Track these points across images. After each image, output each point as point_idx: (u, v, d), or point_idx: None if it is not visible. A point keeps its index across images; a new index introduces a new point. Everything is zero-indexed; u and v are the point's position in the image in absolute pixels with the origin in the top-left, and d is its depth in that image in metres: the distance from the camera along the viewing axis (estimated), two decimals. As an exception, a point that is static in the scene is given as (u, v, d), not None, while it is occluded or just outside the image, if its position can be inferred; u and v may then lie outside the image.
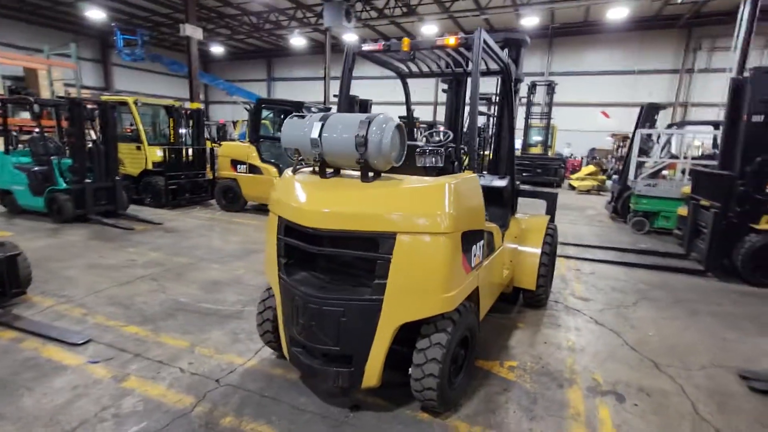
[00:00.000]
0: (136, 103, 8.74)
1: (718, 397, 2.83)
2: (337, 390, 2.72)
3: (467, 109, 3.48)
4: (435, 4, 17.76)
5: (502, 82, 4.60)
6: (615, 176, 14.68)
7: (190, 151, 9.18)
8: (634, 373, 3.09)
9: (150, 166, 8.81)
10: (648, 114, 9.35)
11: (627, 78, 19.35)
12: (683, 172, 8.39)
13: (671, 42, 18.52)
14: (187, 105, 10.72)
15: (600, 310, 4.24)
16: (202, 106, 12.94)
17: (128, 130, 9.69)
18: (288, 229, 2.55)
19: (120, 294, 4.23)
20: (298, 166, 2.75)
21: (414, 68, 4.08)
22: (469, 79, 4.76)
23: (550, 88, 15.12)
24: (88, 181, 7.18)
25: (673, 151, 10.12)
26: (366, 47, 3.25)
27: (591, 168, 14.95)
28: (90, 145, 7.30)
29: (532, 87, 15.42)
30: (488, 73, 3.91)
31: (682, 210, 7.04)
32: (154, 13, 20.58)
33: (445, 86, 5.45)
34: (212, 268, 5.13)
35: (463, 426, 2.46)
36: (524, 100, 15.84)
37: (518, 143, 21.10)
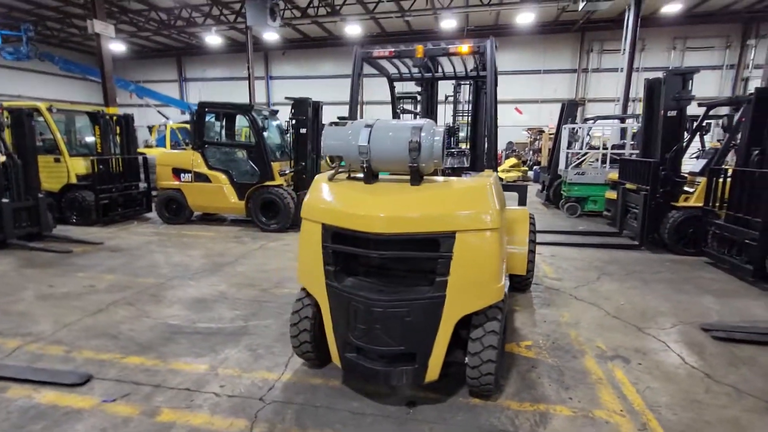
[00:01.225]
0: (50, 109, 7.70)
1: (695, 348, 3.40)
2: (389, 389, 2.78)
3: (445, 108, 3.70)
4: (358, 5, 17.92)
5: (475, 86, 4.93)
6: (536, 167, 16.16)
7: (121, 160, 8.33)
8: (626, 338, 3.57)
9: (74, 180, 7.84)
10: (569, 110, 10.45)
11: (535, 77, 21.28)
12: (599, 160, 9.54)
13: (569, 45, 20.73)
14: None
15: (575, 288, 4.76)
16: (119, 110, 11.70)
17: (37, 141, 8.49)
18: (338, 236, 2.55)
19: (98, 324, 3.81)
20: (340, 173, 2.75)
21: (393, 71, 4.20)
22: (440, 82, 5.05)
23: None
24: (5, 200, 6.22)
25: (589, 142, 11.43)
26: (376, 53, 3.32)
27: (513, 160, 16.25)
28: (3, 158, 6.32)
29: (458, 86, 16.27)
30: (468, 77, 4.19)
31: (610, 194, 8.06)
32: (39, 6, 18.07)
33: (418, 88, 5.65)
34: (188, 286, 4.80)
35: (514, 404, 2.68)
36: (450, 99, 16.70)
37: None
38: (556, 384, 2.90)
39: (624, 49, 16.28)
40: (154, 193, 8.90)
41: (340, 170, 2.70)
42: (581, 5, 13.08)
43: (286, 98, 7.89)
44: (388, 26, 21.18)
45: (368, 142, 2.47)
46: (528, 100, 21.42)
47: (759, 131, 5.11)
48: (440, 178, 2.65)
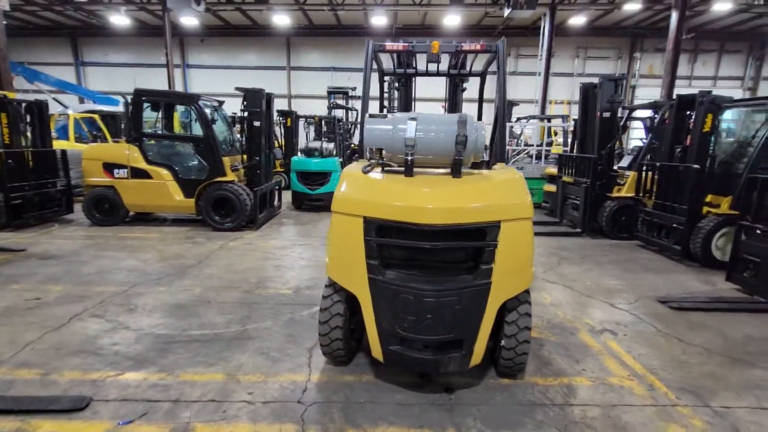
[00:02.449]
0: (-61, 92, 6.42)
1: (661, 318, 3.94)
2: (420, 379, 2.84)
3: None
4: (288, -6, 17.36)
5: (452, 83, 5.11)
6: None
7: (34, 154, 7.21)
8: (605, 314, 4.02)
9: (-25, 177, 6.63)
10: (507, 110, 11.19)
11: (459, 77, 22.39)
12: (533, 156, 10.42)
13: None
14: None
15: (544, 272, 5.20)
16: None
17: None
18: (383, 229, 2.53)
19: (68, 340, 3.33)
20: (368, 166, 2.72)
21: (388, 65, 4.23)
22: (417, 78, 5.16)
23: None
24: None
25: (524, 140, 12.39)
26: (389, 46, 3.31)
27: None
28: None
29: (392, 83, 16.56)
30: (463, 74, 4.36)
31: (548, 187, 8.85)
32: None
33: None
34: (158, 292, 4.37)
35: (540, 380, 2.91)
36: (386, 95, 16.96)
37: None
38: (567, 359, 3.18)
39: (541, 55, 17.88)
40: (77, 191, 7.88)
41: (376, 164, 2.68)
42: (507, 12, 14.05)
43: (237, 89, 7.43)
44: (316, 19, 20.79)
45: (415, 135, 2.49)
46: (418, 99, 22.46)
47: (680, 131, 5.99)
48: (474, 171, 2.76)
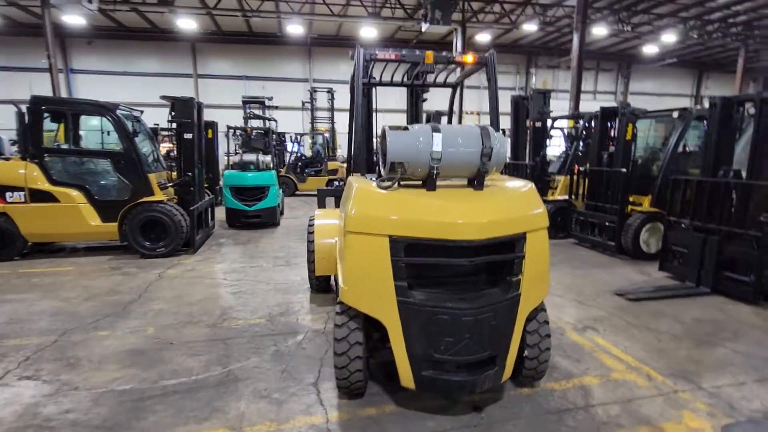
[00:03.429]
0: None
1: (626, 310, 4.30)
2: (446, 401, 2.73)
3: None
4: (195, -3, 16.17)
5: (413, 93, 5.11)
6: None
7: None
8: (580, 312, 4.27)
9: None
10: (436, 119, 11.57)
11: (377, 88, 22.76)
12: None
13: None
14: None
15: (507, 276, 5.40)
16: None
17: None
18: (412, 248, 2.38)
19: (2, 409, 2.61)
20: (387, 180, 2.54)
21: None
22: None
23: (330, 94, 16.33)
24: None
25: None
26: (381, 55, 3.17)
27: (337, 164, 16.94)
28: None
29: (313, 93, 16.29)
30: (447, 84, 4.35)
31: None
32: None
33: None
34: (101, 338, 3.67)
35: (555, 385, 2.96)
36: (308, 105, 16.60)
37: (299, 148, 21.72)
38: (568, 359, 3.30)
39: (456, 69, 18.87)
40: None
41: (398, 179, 2.51)
42: (425, 26, 14.64)
43: (162, 97, 6.65)
44: (225, 24, 19.71)
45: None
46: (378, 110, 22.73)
47: (604, 139, 6.69)
48: (493, 183, 2.74)
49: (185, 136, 6.59)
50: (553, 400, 2.78)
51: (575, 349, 3.48)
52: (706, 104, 5.11)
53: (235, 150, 12.06)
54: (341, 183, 14.33)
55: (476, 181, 2.57)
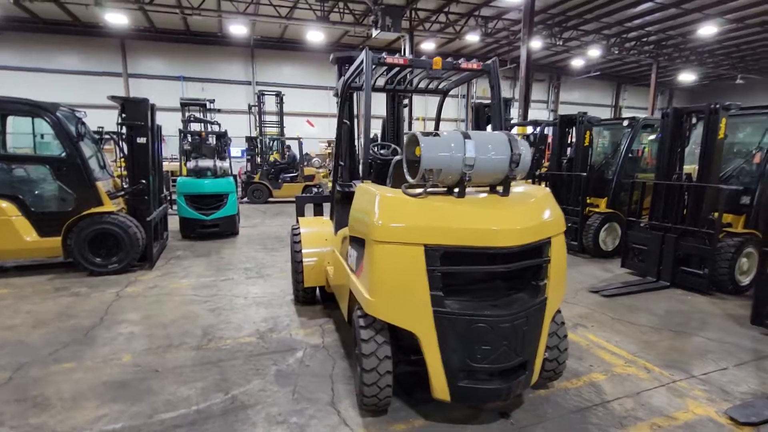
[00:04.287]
0: None
1: (605, 306, 4.57)
2: (469, 410, 2.70)
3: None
4: (126, -9, 14.94)
5: (393, 99, 5.07)
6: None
7: None
8: (565, 310, 4.36)
9: None
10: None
11: (323, 92, 22.46)
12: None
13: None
14: None
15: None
16: None
17: None
18: (448, 256, 2.33)
19: (-37, 476, 2.17)
20: (417, 187, 2.47)
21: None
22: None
23: (279, 97, 15.82)
24: None
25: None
26: (389, 59, 3.09)
27: (324, 171, 16.77)
28: None
29: (261, 96, 15.71)
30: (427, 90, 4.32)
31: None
32: None
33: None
34: (69, 371, 3.21)
35: (568, 384, 3.05)
36: (255, 109, 15.96)
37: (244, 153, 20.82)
38: (571, 357, 3.41)
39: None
40: None
41: (429, 185, 2.45)
42: (375, 32, 14.70)
43: (111, 98, 6.02)
44: (159, 21, 18.42)
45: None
46: (319, 114, 22.45)
47: (562, 146, 7.10)
48: (516, 189, 2.76)
49: (138, 141, 6.03)
50: (571, 399, 2.86)
51: (574, 346, 3.61)
52: (626, 114, 5.58)
53: (181, 155, 11.27)
54: (319, 190, 13.92)
55: (503, 188, 2.59)
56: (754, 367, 3.30)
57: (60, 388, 2.96)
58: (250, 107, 17.30)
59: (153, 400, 2.83)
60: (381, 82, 4.51)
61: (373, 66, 3.09)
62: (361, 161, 3.22)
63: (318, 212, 5.24)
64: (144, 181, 6.06)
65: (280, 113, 15.61)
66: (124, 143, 6.12)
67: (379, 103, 5.57)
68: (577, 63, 22.88)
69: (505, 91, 23.57)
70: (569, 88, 26.44)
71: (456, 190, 2.53)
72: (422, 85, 4.15)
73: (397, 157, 3.74)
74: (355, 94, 4.91)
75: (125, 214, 5.83)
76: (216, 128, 14.70)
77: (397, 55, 3.17)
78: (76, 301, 4.64)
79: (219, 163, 7.94)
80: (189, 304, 4.58)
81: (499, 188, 2.65)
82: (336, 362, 3.34)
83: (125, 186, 6.19)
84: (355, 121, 5.02)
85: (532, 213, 2.53)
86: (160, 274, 5.68)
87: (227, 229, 7.99)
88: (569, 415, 2.70)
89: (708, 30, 17.08)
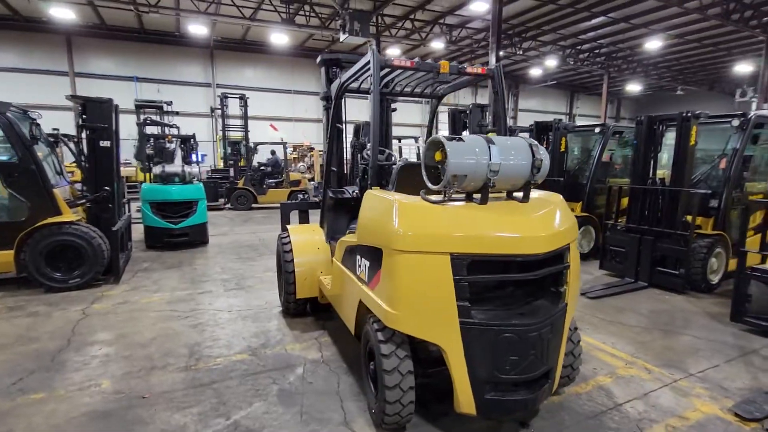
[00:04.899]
0: None
1: (593, 308, 4.66)
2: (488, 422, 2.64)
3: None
4: (75, -15, 14.00)
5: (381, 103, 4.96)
6: (311, 182, 16.79)
7: None
8: (555, 313, 4.51)
9: None
10: (358, 131, 11.50)
11: (286, 96, 22.03)
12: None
13: (315, 69, 22.49)
14: None
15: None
16: None
17: None
18: (475, 265, 2.25)
19: None
20: (437, 194, 2.38)
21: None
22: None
23: (243, 100, 15.29)
24: None
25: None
26: (396, 62, 3.00)
27: (298, 175, 16.24)
28: None
29: (224, 99, 15.15)
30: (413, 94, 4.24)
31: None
32: None
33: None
34: (36, 402, 2.85)
35: (578, 389, 3.05)
36: (218, 112, 15.36)
37: (209, 157, 19.86)
38: (574, 361, 3.44)
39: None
40: None
41: (452, 191, 2.37)
42: (343, 37, 14.56)
43: (71, 97, 5.54)
44: (110, 18, 17.40)
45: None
46: (282, 118, 21.97)
47: (538, 151, 7.26)
48: (535, 195, 2.72)
49: (101, 144, 5.57)
50: (585, 405, 2.85)
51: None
52: (579, 121, 5.81)
53: (144, 160, 10.61)
54: (305, 196, 13.46)
55: (523, 194, 2.55)
56: (743, 363, 3.46)
57: (31, 422, 2.61)
58: (212, 110, 16.66)
59: (144, 430, 2.55)
60: (367, 85, 4.37)
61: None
62: (369, 167, 3.08)
63: (303, 219, 5.05)
64: (108, 188, 5.60)
65: (245, 116, 15.09)
66: (84, 147, 5.64)
67: (356, 108, 5.44)
68: (535, 72, 23.81)
69: (468, 99, 24.12)
70: (527, 96, 27.46)
71: (476, 196, 2.47)
72: (418, 89, 4.08)
73: (400, 162, 3.65)
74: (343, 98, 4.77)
75: (87, 224, 5.35)
76: (174, 131, 14.02)
77: (403, 58, 3.08)
78: (36, 322, 4.17)
79: (188, 169, 7.51)
80: (167, 321, 4.24)
81: (517, 194, 2.61)
82: (340, 378, 3.17)
83: (85, 193, 5.70)
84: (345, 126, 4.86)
85: (554, 219, 2.51)
86: (128, 289, 5.25)
87: (197, 238, 7.56)
88: (586, 421, 2.68)
89: (653, 44, 18.31)
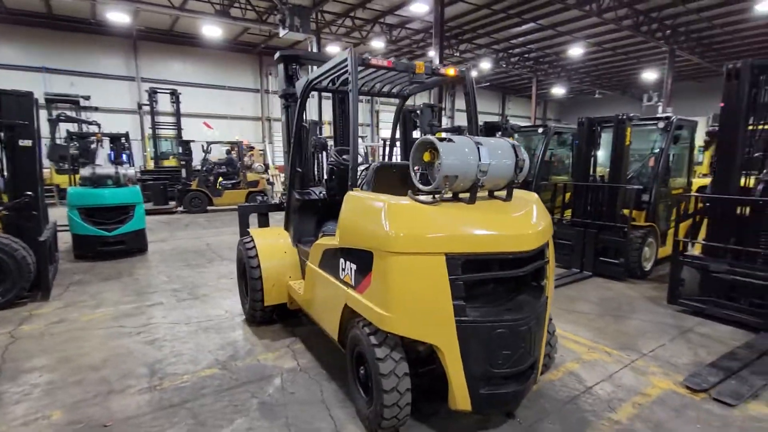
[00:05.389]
0: None
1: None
2: (468, 416, 2.71)
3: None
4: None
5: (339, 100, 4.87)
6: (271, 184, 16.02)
7: None
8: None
9: None
10: (313, 128, 11.24)
11: (221, 92, 20.91)
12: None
13: (249, 65, 21.61)
14: None
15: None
16: None
17: None
18: (469, 264, 2.28)
19: None
20: (429, 195, 2.39)
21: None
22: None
23: (175, 96, 14.30)
24: None
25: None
26: (374, 61, 2.96)
27: (257, 176, 15.36)
28: None
29: (153, 94, 14.07)
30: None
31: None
32: None
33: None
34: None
35: (551, 376, 3.22)
36: (146, 109, 14.23)
37: (137, 157, 18.27)
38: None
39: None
40: None
41: (444, 192, 2.38)
42: (283, 32, 14.12)
43: None
44: (11, 1, 15.41)
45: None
46: (217, 116, 20.87)
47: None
48: (518, 195, 2.81)
49: (21, 144, 4.92)
50: (560, 390, 3.03)
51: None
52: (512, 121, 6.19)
53: (71, 162, 9.61)
54: (264, 198, 12.72)
55: (507, 193, 2.63)
56: (684, 341, 3.86)
57: (-30, 470, 2.25)
58: (140, 105, 15.38)
59: (116, 463, 2.30)
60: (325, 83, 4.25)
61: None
62: (348, 168, 3.01)
63: (263, 223, 4.85)
64: (30, 193, 4.97)
65: (177, 113, 14.17)
66: None
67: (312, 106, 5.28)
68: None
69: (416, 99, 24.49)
70: (462, 97, 28.45)
71: (462, 196, 2.51)
72: (385, 88, 4.06)
73: (375, 164, 3.62)
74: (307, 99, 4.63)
75: (6, 235, 4.71)
76: (95, 129, 12.80)
77: (379, 57, 3.05)
78: (-48, 350, 3.60)
79: (122, 170, 6.86)
80: (117, 338, 3.85)
81: (499, 193, 2.69)
82: (322, 385, 3.08)
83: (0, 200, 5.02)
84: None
85: (537, 217, 2.62)
86: (61, 306, 4.70)
87: (135, 245, 6.95)
88: (565, 406, 2.85)
89: (575, 51, 19.84)
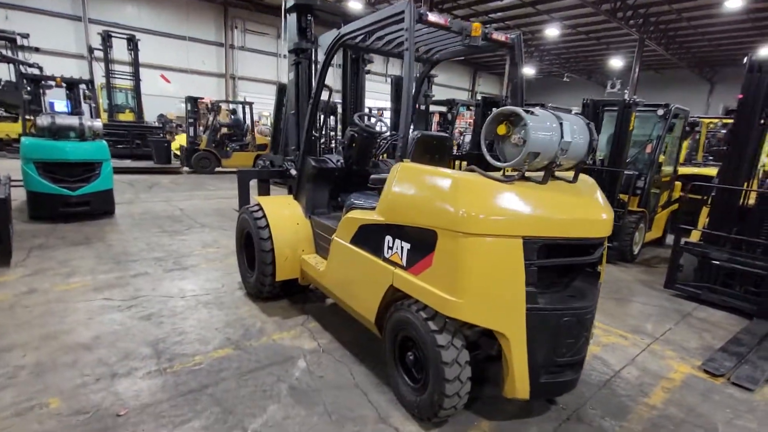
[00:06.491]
0: None
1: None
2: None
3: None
4: None
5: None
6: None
7: None
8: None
9: None
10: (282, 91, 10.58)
11: (181, 44, 19.23)
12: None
13: (212, 16, 19.93)
14: None
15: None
16: None
17: None
18: (543, 249, 2.14)
19: None
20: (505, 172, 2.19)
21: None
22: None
23: (133, 42, 12.89)
24: None
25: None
26: (432, 18, 2.65)
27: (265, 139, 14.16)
28: None
29: (107, 38, 12.65)
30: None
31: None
32: None
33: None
34: None
35: (593, 363, 3.21)
36: (100, 54, 12.79)
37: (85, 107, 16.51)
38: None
39: (279, 35, 17.67)
40: None
41: (525, 169, 2.18)
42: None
43: None
44: None
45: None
46: (175, 68, 19.27)
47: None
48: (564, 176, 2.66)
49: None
50: (592, 374, 3.03)
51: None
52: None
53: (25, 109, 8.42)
54: (266, 163, 11.86)
55: (575, 174, 2.48)
56: (687, 325, 4.01)
57: (-39, 473, 1.88)
58: (91, 50, 13.76)
59: (143, 461, 2.01)
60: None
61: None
62: (397, 138, 2.73)
63: (263, 191, 4.48)
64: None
65: (135, 63, 12.81)
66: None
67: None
68: (444, 46, 24.36)
69: (397, 68, 23.80)
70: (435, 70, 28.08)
71: (529, 175, 2.33)
72: (423, 50, 3.72)
73: (415, 133, 3.36)
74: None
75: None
76: (35, 71, 11.35)
77: (436, 13, 2.75)
78: None
79: (88, 122, 6.07)
80: (106, 313, 3.43)
81: (564, 174, 2.53)
82: (351, 368, 2.89)
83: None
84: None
85: (605, 202, 2.49)
86: (28, 273, 4.14)
87: (101, 207, 6.27)
88: (600, 391, 2.85)
89: (552, 31, 19.94)
